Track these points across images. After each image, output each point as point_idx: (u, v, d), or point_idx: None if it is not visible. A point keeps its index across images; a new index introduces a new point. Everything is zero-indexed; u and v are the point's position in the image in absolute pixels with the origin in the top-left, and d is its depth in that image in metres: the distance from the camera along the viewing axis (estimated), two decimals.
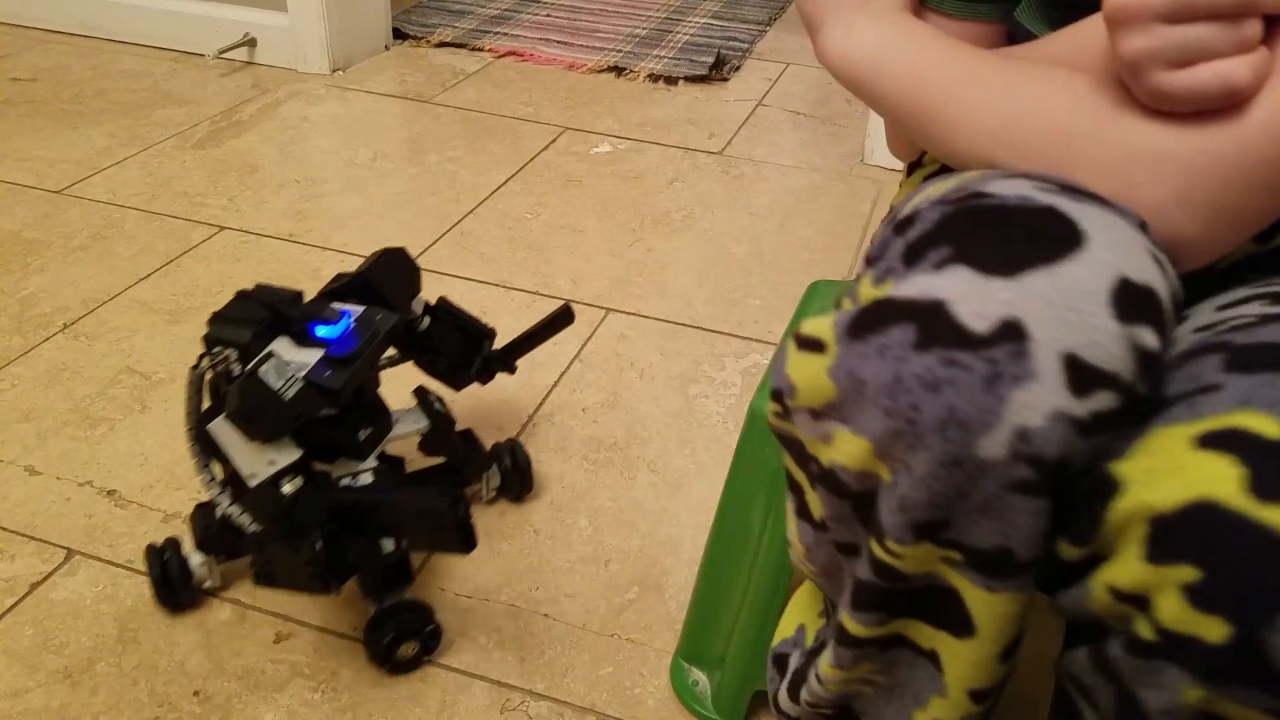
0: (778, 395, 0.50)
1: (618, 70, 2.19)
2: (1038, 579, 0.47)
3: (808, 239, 1.57)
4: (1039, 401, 0.40)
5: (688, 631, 0.88)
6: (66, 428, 1.13)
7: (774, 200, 1.68)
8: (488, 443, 1.04)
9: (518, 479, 1.03)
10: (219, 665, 0.88)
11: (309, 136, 1.84)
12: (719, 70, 2.19)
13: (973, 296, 0.41)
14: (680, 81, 2.15)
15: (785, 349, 0.50)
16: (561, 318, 1.01)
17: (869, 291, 0.46)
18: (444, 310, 0.97)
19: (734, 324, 1.36)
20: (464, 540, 0.76)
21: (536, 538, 1.01)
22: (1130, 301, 0.41)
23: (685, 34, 2.40)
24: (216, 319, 0.81)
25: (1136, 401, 0.42)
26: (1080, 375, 0.40)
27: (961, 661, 0.50)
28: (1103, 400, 0.41)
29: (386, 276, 0.89)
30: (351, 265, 1.44)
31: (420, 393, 0.99)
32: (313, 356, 0.79)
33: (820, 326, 0.47)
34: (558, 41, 2.33)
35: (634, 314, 1.37)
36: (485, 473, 1.03)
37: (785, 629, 0.70)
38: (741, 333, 1.34)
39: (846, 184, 1.75)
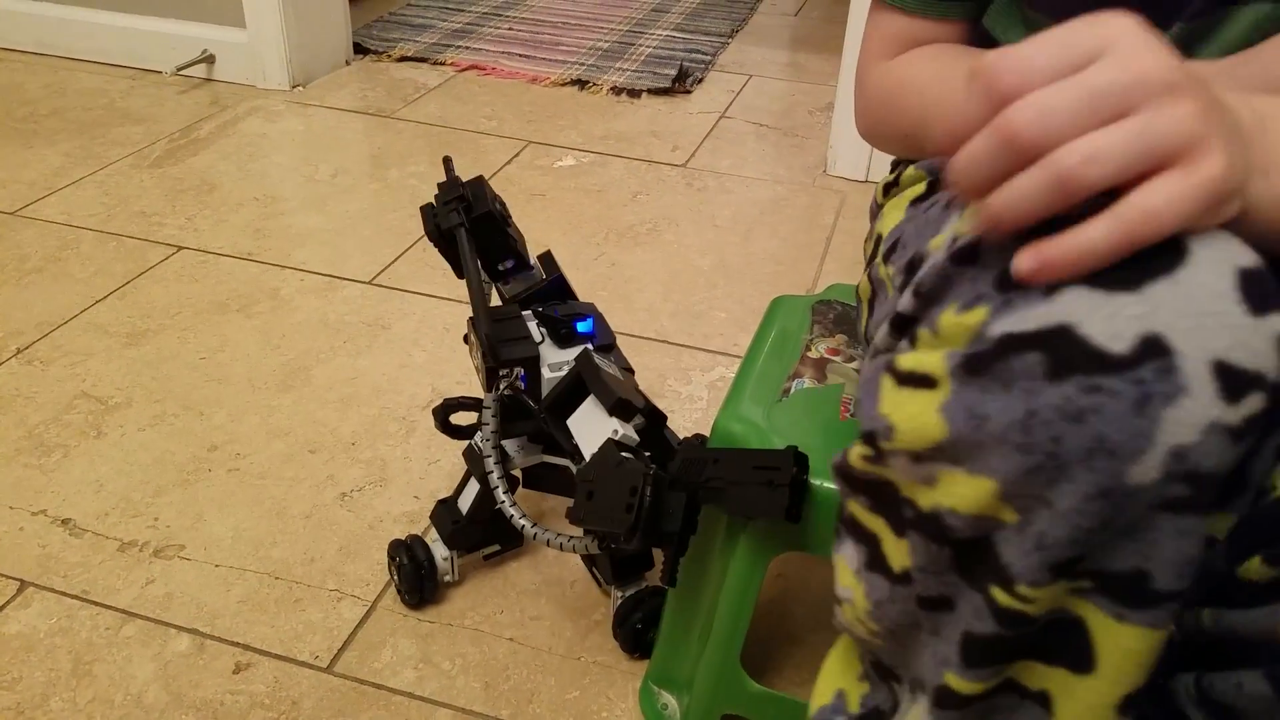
0: (870, 438, 0.46)
1: (581, 83, 2.18)
2: (1179, 616, 0.44)
3: (772, 250, 1.57)
4: (1193, 416, 0.38)
5: (657, 654, 0.87)
6: (19, 455, 1.11)
7: (738, 212, 1.68)
8: None
9: None
10: (177, 698, 0.86)
11: (268, 153, 1.82)
12: (682, 83, 2.19)
13: (1100, 315, 0.38)
14: (643, 94, 2.15)
15: (878, 387, 0.46)
16: None
17: (954, 320, 0.43)
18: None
19: (700, 337, 1.35)
20: (793, 506, 0.72)
21: (500, 559, 1.00)
22: (1257, 290, 0.39)
23: (648, 46, 2.40)
24: (500, 344, 0.85)
25: (1275, 400, 0.40)
26: (1231, 380, 0.38)
27: (1076, 702, 0.46)
28: (1253, 403, 0.38)
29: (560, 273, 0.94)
30: (311, 283, 1.43)
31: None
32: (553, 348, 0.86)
33: (928, 361, 0.43)
34: (520, 55, 2.32)
35: None
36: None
37: (822, 695, 0.65)
38: (707, 346, 1.33)
39: (810, 195, 1.75)
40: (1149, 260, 0.39)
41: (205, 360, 1.27)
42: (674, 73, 2.21)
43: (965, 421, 0.41)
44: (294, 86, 2.09)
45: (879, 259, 0.64)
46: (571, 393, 0.81)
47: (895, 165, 0.79)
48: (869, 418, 0.46)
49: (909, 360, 0.44)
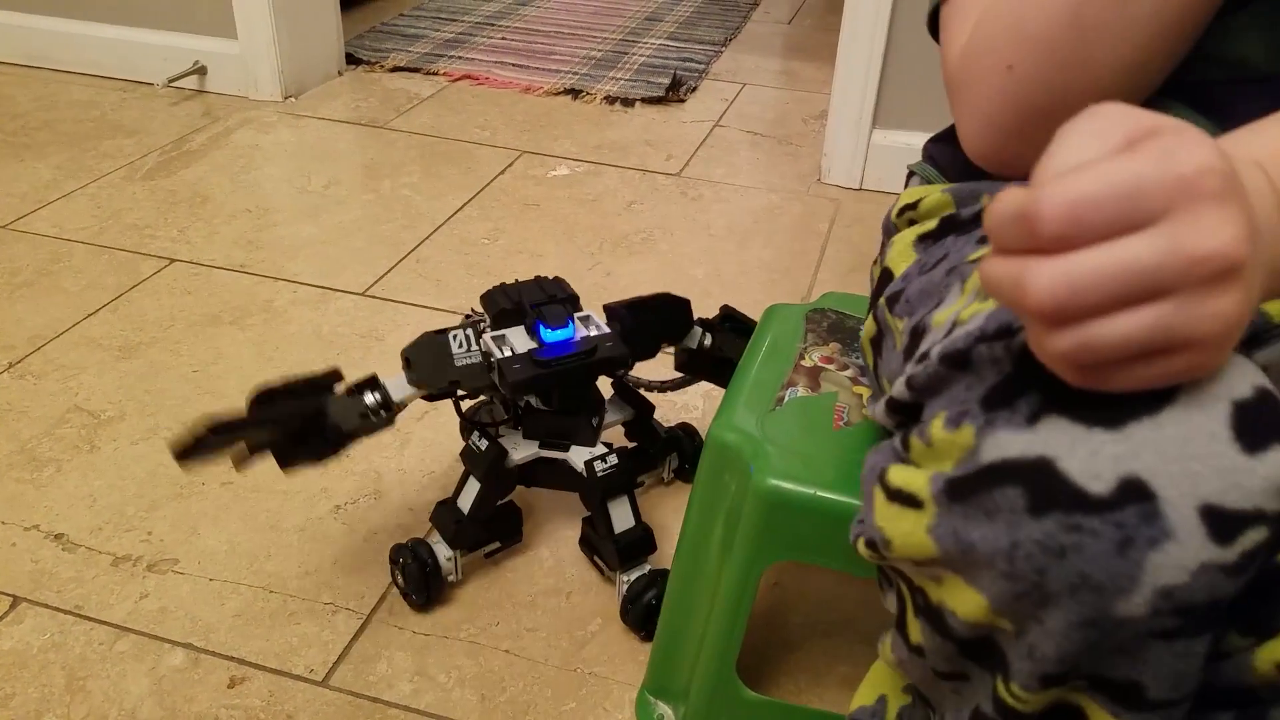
0: (871, 544, 0.46)
1: (574, 93, 2.18)
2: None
3: (767, 259, 1.57)
4: (1182, 560, 0.36)
5: (653, 664, 0.86)
6: (12, 470, 1.10)
7: (733, 221, 1.68)
8: None
9: (696, 457, 1.06)
10: (171, 712, 0.85)
11: (261, 165, 1.82)
12: (676, 91, 2.19)
13: (1080, 452, 0.37)
14: (637, 103, 2.15)
15: (872, 496, 0.46)
16: None
17: (943, 435, 0.43)
18: (728, 315, 1.03)
19: None
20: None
21: (496, 571, 1.00)
22: (1253, 425, 0.37)
23: (641, 55, 2.41)
24: (494, 291, 0.92)
25: None
26: (1223, 523, 0.36)
27: None
28: (1251, 538, 0.37)
29: (651, 319, 0.96)
30: (304, 295, 1.42)
31: (619, 385, 1.03)
32: (525, 348, 0.88)
33: (914, 480, 0.43)
34: (513, 64, 2.32)
35: None
36: (668, 456, 1.09)
37: (864, 696, 0.65)
38: None
39: (804, 203, 1.75)
40: (1132, 396, 0.37)
41: (198, 373, 1.27)
42: (667, 81, 2.22)
43: (953, 545, 0.41)
44: (286, 97, 2.09)
45: (883, 301, 0.62)
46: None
47: (910, 177, 0.77)
48: (869, 525, 0.46)
49: (897, 477, 0.44)
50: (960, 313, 0.48)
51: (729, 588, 0.76)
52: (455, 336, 0.87)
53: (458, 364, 0.86)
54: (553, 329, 0.88)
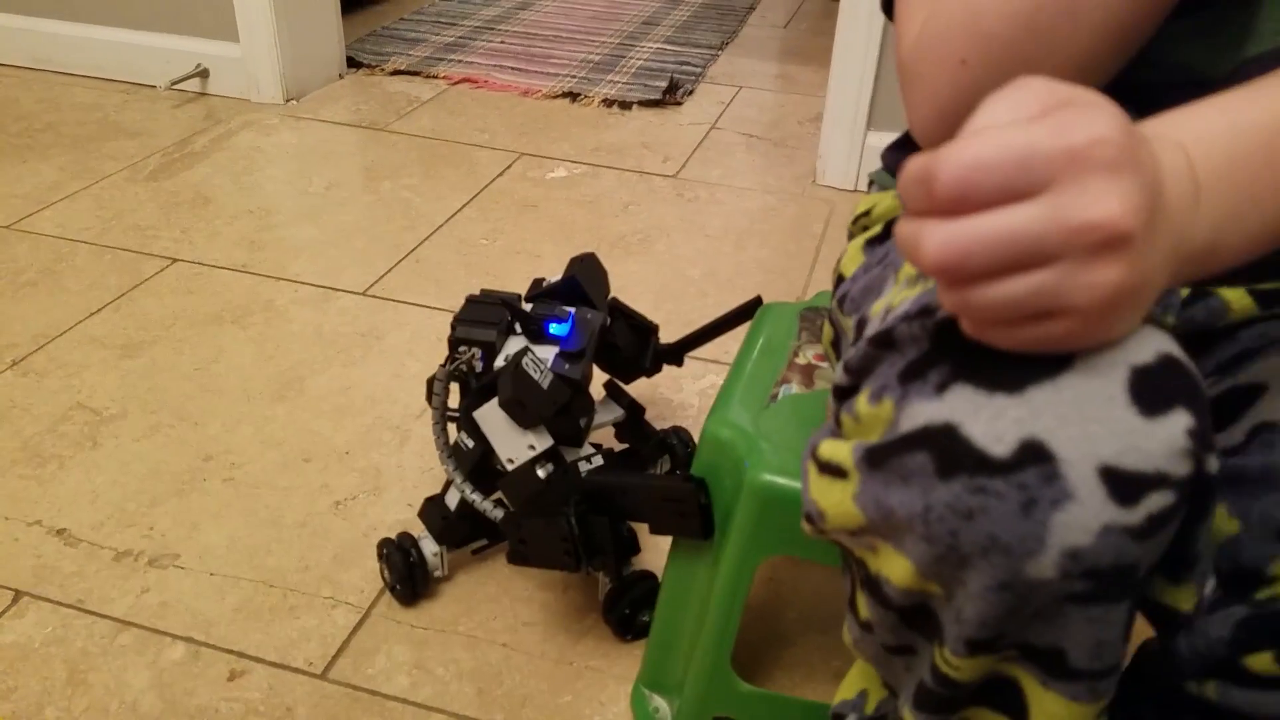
0: (809, 518, 0.48)
1: (572, 96, 2.20)
2: (1112, 697, 0.44)
3: (762, 260, 1.58)
4: (1084, 520, 0.37)
5: (648, 657, 0.88)
6: (15, 466, 1.12)
7: (728, 222, 1.69)
8: None
9: (688, 464, 1.07)
10: (171, 705, 0.86)
11: (262, 167, 1.83)
12: (673, 94, 2.20)
13: (983, 417, 0.38)
14: (634, 106, 2.16)
15: (807, 472, 0.47)
16: (743, 312, 1.00)
17: (868, 410, 0.44)
18: (618, 309, 1.02)
19: None
20: (705, 527, 0.77)
21: (493, 566, 1.01)
22: (1151, 389, 0.37)
23: (639, 59, 2.42)
24: (459, 322, 0.89)
25: (1197, 486, 0.39)
26: (1123, 485, 0.37)
27: None
28: (1156, 501, 0.37)
29: (589, 279, 0.95)
30: (305, 294, 1.44)
31: (611, 386, 1.04)
32: (549, 352, 0.87)
33: (839, 451, 0.45)
34: (512, 68, 2.33)
35: None
36: (659, 459, 1.09)
37: (847, 690, 0.66)
38: (698, 354, 1.34)
39: (799, 205, 1.76)
40: (1033, 360, 0.38)
41: (200, 371, 1.28)
42: (665, 85, 2.23)
43: (875, 511, 0.42)
44: (287, 100, 2.11)
45: (834, 303, 0.64)
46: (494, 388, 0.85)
47: (870, 185, 0.79)
48: (805, 500, 0.48)
49: (825, 450, 0.46)
50: (892, 300, 0.50)
51: (724, 582, 0.77)
52: (526, 365, 0.84)
53: (545, 387, 0.84)
54: (560, 323, 0.90)
